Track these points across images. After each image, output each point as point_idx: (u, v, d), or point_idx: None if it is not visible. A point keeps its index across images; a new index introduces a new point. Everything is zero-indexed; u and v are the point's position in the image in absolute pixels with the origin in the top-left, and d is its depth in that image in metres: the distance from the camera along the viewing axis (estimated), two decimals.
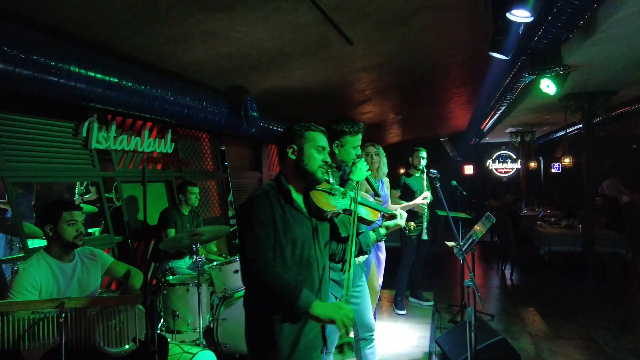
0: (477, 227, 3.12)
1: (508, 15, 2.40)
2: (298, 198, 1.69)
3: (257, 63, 3.81)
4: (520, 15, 2.37)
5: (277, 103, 5.32)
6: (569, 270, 6.71)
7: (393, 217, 1.88)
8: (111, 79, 2.76)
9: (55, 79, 2.38)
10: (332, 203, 1.69)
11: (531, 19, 2.39)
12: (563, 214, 7.82)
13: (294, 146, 1.67)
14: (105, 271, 2.39)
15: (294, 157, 1.67)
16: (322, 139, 1.71)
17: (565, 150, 9.16)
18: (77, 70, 2.50)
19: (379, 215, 1.87)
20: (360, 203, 1.80)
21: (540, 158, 12.81)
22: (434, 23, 3.63)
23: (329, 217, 1.75)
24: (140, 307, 2.12)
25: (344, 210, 1.74)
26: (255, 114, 4.34)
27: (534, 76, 3.94)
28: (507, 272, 6.82)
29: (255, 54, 3.60)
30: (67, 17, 2.49)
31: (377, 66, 4.64)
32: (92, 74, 2.59)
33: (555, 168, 12.54)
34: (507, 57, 3.04)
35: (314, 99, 5.45)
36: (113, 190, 3.98)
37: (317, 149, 1.68)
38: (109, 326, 1.86)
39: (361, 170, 2.20)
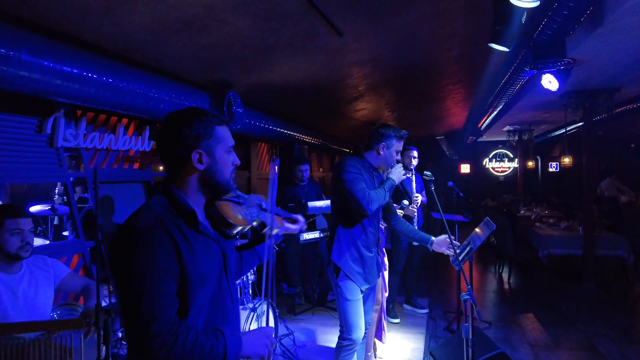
0: (475, 233, 2.87)
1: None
2: (201, 218, 1.26)
3: (240, 55, 3.55)
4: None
5: (265, 99, 5.06)
6: (568, 274, 6.51)
7: (295, 222, 1.57)
8: (72, 69, 2.48)
9: (3, 68, 2.11)
10: (242, 216, 1.32)
11: (537, 2, 2.15)
12: (562, 214, 7.61)
13: (201, 152, 1.21)
14: (58, 284, 2.13)
15: (201, 166, 1.22)
16: (230, 135, 1.29)
17: (564, 149, 8.95)
18: (30, 59, 2.22)
19: (283, 222, 1.56)
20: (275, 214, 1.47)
21: (538, 157, 12.61)
22: (430, 14, 3.38)
23: (237, 234, 1.35)
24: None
25: (258, 224, 1.41)
26: (239, 110, 4.07)
27: (536, 71, 3.70)
28: (505, 275, 6.60)
29: (237, 45, 3.34)
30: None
31: (369, 60, 4.39)
32: (47, 63, 2.31)
33: (552, 167, 12.34)
34: (509, 48, 2.80)
35: (304, 94, 5.19)
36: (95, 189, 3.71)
37: (228, 150, 1.27)
38: (52, 355, 1.60)
39: (399, 172, 2.51)
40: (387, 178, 2.51)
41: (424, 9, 3.25)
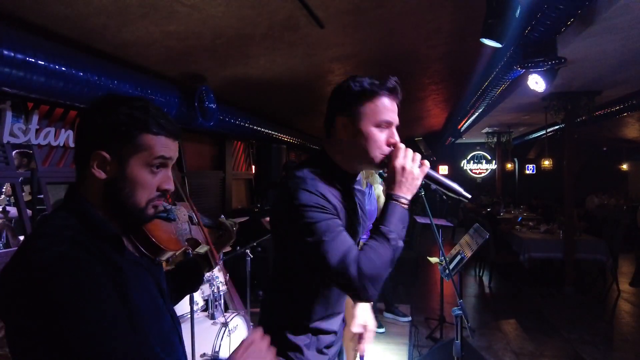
0: (464, 243, 2.70)
1: None
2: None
3: (212, 45, 3.27)
4: None
5: (240, 95, 4.78)
6: (548, 277, 6.47)
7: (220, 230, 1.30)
8: (15, 54, 2.16)
9: None
10: (174, 236, 1.02)
11: None
12: (541, 217, 7.61)
13: (105, 154, 0.84)
14: None
15: (100, 174, 0.85)
16: (170, 149, 0.89)
17: (543, 152, 9.00)
18: None
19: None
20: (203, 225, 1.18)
21: (515, 159, 12.73)
22: (416, 6, 3.19)
23: (168, 260, 1.03)
24: None
25: (191, 244, 1.11)
26: (212, 106, 3.79)
27: (524, 70, 3.56)
28: (486, 279, 6.52)
29: (209, 34, 3.06)
30: None
31: (352, 56, 4.17)
32: None
33: (529, 169, 12.47)
34: (501, 44, 2.63)
35: (283, 90, 4.93)
36: None
37: (153, 166, 0.87)
38: None
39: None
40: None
41: (411, 0, 3.06)
